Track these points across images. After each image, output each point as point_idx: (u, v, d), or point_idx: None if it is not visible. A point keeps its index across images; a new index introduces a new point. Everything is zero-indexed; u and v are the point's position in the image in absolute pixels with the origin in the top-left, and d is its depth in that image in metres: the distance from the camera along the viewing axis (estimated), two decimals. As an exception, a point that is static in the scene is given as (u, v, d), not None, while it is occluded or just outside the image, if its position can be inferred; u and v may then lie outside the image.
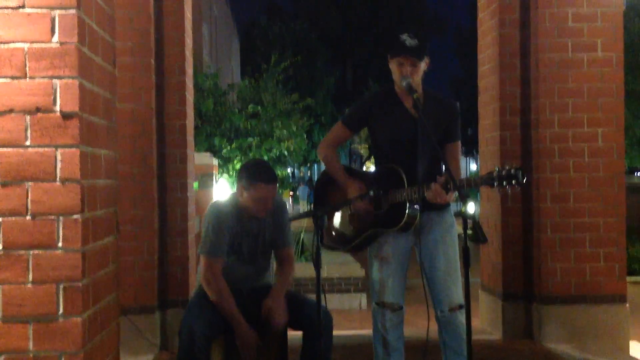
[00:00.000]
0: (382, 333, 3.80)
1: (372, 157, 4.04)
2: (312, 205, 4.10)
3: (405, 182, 3.63)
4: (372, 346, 3.92)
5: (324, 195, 4.04)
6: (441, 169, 3.79)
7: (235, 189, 3.89)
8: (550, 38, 5.50)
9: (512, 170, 3.32)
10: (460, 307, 3.72)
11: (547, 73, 5.50)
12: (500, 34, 5.73)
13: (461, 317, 3.71)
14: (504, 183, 3.33)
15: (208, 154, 9.29)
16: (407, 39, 3.62)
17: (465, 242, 3.12)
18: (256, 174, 3.69)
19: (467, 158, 54.29)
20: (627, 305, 5.53)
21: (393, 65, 3.72)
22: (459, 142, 3.91)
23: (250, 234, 3.83)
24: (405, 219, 3.63)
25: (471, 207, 3.22)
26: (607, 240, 5.48)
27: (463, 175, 3.88)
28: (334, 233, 3.97)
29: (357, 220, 3.83)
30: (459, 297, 3.74)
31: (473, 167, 55.23)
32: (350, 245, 3.90)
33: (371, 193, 3.68)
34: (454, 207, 3.87)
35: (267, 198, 3.70)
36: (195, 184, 5.57)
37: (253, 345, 3.65)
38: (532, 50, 5.63)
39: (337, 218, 3.94)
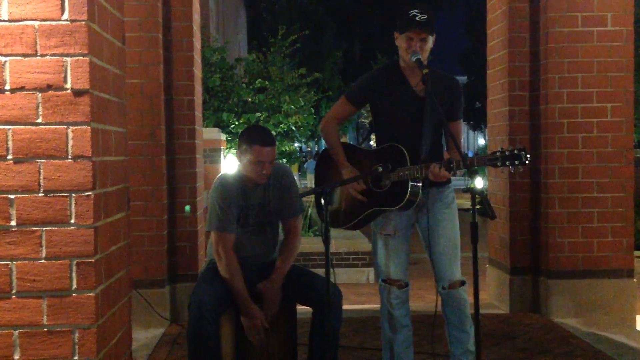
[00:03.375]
0: (389, 310, 3.82)
1: (373, 133, 4.02)
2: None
3: (408, 160, 3.63)
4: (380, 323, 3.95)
5: (326, 171, 4.03)
6: (442, 147, 3.81)
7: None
8: (560, 12, 5.46)
9: (516, 151, 3.34)
10: (462, 283, 3.75)
11: (557, 47, 5.47)
12: (510, 8, 5.69)
13: (462, 293, 3.75)
14: (507, 163, 3.35)
15: (216, 129, 9.29)
16: (418, 14, 3.60)
17: (474, 218, 3.13)
18: (252, 137, 3.69)
19: (475, 132, 54.12)
20: (635, 279, 5.55)
21: (401, 41, 3.68)
22: (461, 121, 3.91)
23: (256, 205, 3.82)
24: (407, 197, 3.63)
25: (479, 183, 3.23)
26: (615, 215, 5.50)
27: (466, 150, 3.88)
28: (335, 210, 3.97)
29: (359, 199, 3.83)
30: (458, 273, 3.75)
31: (481, 141, 55.08)
32: (351, 223, 3.90)
33: (380, 169, 3.68)
34: (462, 183, 3.88)
35: (264, 161, 3.67)
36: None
37: (259, 327, 3.66)
38: (541, 25, 5.59)
39: (338, 196, 3.94)
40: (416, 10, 3.61)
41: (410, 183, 3.62)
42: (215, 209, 3.75)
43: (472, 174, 3.22)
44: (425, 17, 3.60)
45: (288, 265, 3.82)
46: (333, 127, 3.97)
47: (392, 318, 3.82)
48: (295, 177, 4.14)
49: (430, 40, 3.67)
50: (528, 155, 3.35)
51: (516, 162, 3.33)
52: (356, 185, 3.78)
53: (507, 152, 3.35)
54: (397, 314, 3.81)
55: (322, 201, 3.37)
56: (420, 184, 3.65)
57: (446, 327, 3.84)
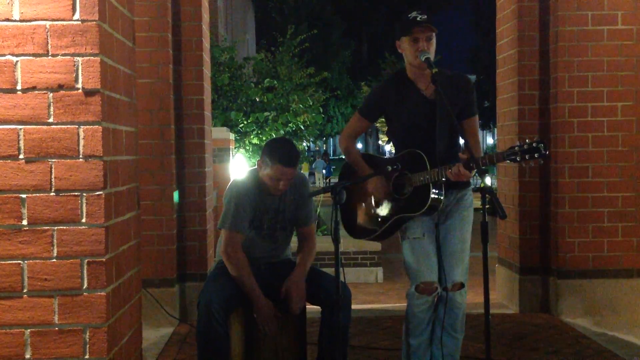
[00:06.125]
0: (417, 313, 3.76)
1: (391, 142, 4.04)
2: (327, 179, 4.13)
3: (428, 164, 3.63)
4: (402, 325, 3.90)
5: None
6: (459, 147, 3.78)
7: (251, 165, 3.91)
8: (570, 10, 5.44)
9: (534, 144, 3.30)
10: (461, 285, 3.74)
11: (567, 46, 5.45)
12: (519, 7, 5.67)
13: (459, 296, 3.73)
14: (527, 157, 3.31)
15: (225, 128, 9.30)
16: (417, 15, 3.62)
17: (484, 217, 3.11)
18: (276, 154, 3.68)
19: (484, 131, 53.98)
20: (645, 279, 5.53)
21: (406, 45, 3.66)
22: (477, 117, 3.89)
23: (271, 209, 3.84)
24: (429, 202, 3.62)
25: (489, 182, 3.21)
26: (626, 214, 5.47)
27: (481, 149, 3.85)
28: (359, 224, 3.97)
29: (382, 208, 3.84)
30: (460, 276, 3.74)
31: (489, 140, 54.93)
32: (377, 233, 3.89)
33: (389, 168, 3.69)
34: (472, 182, 3.88)
35: (283, 180, 3.70)
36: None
37: (271, 317, 3.68)
38: (551, 23, 5.57)
39: (362, 209, 3.94)
40: (415, 12, 3.64)
41: (431, 188, 3.62)
42: (230, 208, 3.77)
43: (482, 173, 3.21)
44: (425, 16, 3.62)
45: (309, 264, 3.86)
46: (352, 144, 4.02)
47: (418, 321, 3.76)
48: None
49: (435, 39, 3.67)
50: (548, 148, 3.31)
51: (536, 155, 3.30)
52: (381, 187, 3.78)
53: (525, 146, 3.32)
54: (422, 317, 3.77)
55: (336, 200, 3.35)
56: (442, 189, 3.64)
57: (435, 328, 3.80)
